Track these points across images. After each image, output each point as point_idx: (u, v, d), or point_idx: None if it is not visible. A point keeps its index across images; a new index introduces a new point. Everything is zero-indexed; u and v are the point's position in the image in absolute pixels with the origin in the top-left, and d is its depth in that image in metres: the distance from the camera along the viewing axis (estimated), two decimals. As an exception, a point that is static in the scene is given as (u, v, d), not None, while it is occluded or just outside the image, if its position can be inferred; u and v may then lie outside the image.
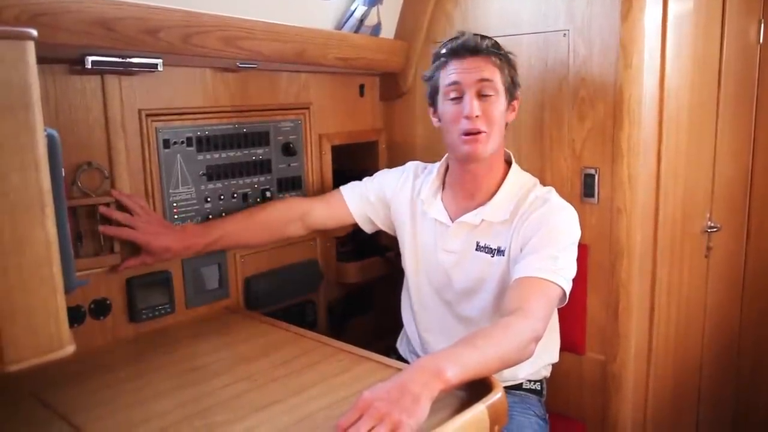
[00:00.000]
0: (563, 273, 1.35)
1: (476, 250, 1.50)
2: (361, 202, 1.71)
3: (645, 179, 1.63)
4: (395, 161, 2.08)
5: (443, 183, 1.59)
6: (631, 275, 1.64)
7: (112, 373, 1.29)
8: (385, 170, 1.79)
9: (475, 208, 1.50)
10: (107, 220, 1.41)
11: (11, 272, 0.78)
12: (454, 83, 1.43)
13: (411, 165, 1.72)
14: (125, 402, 1.16)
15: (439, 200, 1.57)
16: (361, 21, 1.79)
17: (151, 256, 1.45)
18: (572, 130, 1.68)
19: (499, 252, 1.47)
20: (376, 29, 1.85)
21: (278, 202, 1.70)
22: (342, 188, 1.74)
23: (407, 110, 2.04)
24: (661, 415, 1.87)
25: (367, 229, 1.75)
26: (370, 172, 2.10)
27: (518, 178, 1.52)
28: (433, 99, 1.51)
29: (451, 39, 1.47)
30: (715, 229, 2.05)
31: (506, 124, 1.49)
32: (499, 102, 1.43)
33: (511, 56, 1.48)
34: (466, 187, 1.53)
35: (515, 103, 1.50)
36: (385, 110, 2.10)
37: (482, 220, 1.48)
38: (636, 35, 1.54)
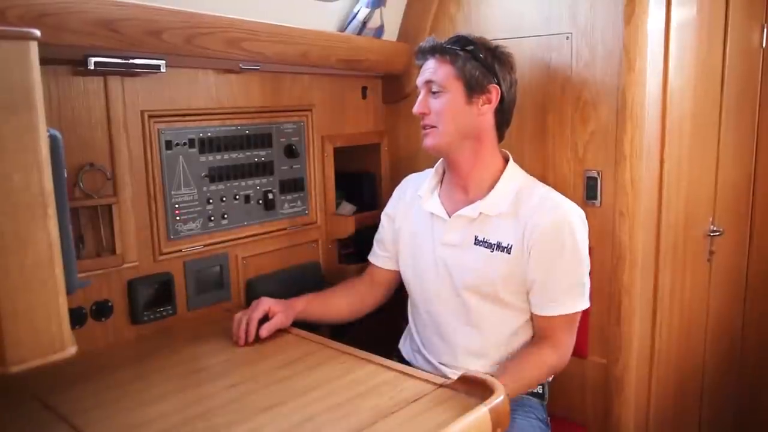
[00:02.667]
0: (587, 292, 1.50)
1: (475, 244, 1.50)
2: (385, 252, 1.72)
3: (648, 183, 1.63)
4: (397, 164, 2.09)
5: (441, 181, 1.62)
6: (634, 279, 1.63)
7: (114, 374, 1.29)
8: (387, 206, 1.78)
9: (472, 203, 1.51)
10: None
11: (13, 273, 0.78)
12: (417, 86, 1.53)
13: (407, 178, 1.77)
14: (127, 404, 1.16)
15: (436, 195, 1.59)
16: (364, 23, 1.79)
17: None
18: (575, 132, 1.68)
19: (500, 247, 1.47)
20: (379, 31, 1.85)
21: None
22: (369, 258, 1.77)
23: (410, 113, 2.00)
24: (664, 418, 1.87)
25: None
26: (371, 175, 2.11)
27: (515, 172, 1.54)
28: None
29: None
30: (717, 233, 2.04)
31: (499, 116, 1.50)
32: (449, 96, 1.46)
33: (476, 49, 1.46)
34: (456, 181, 1.56)
35: (489, 95, 1.47)
36: (388, 113, 2.10)
37: (480, 213, 1.49)
38: (639, 39, 1.54)
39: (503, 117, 1.52)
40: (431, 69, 1.48)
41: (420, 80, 1.51)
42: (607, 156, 1.63)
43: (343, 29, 1.80)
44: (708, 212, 2.03)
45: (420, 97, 1.50)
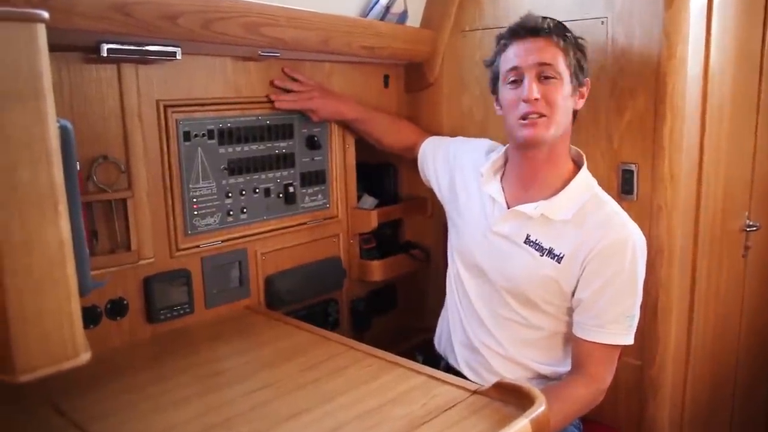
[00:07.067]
0: (634, 327, 1.37)
1: (525, 242, 1.42)
2: (426, 161, 1.77)
3: (687, 175, 1.55)
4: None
5: (504, 166, 1.53)
6: (671, 276, 1.56)
7: (129, 377, 1.24)
8: (461, 139, 1.76)
9: (534, 201, 1.42)
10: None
11: (21, 274, 0.73)
12: (514, 68, 1.37)
13: (485, 142, 1.67)
14: (143, 409, 1.10)
15: (498, 180, 1.51)
16: (387, 8, 1.73)
17: (316, 114, 1.68)
18: (610, 123, 1.60)
19: (551, 254, 1.39)
20: (403, 17, 1.79)
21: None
22: (425, 143, 1.80)
23: (433, 102, 1.97)
24: (697, 419, 1.81)
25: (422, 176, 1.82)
26: (393, 167, 2.05)
27: (588, 181, 1.45)
28: (494, 86, 1.46)
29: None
30: (754, 228, 1.97)
31: (575, 113, 1.42)
32: (562, 86, 1.35)
33: (581, 41, 1.40)
34: (522, 176, 1.46)
35: (583, 89, 1.41)
36: (411, 102, 2.03)
37: (541, 214, 1.40)
38: (681, 24, 1.46)
39: (576, 115, 1.43)
40: (542, 50, 1.34)
41: (526, 61, 1.34)
42: (644, 147, 1.55)
43: (365, 15, 1.74)
44: (744, 206, 1.96)
45: (527, 81, 1.34)
